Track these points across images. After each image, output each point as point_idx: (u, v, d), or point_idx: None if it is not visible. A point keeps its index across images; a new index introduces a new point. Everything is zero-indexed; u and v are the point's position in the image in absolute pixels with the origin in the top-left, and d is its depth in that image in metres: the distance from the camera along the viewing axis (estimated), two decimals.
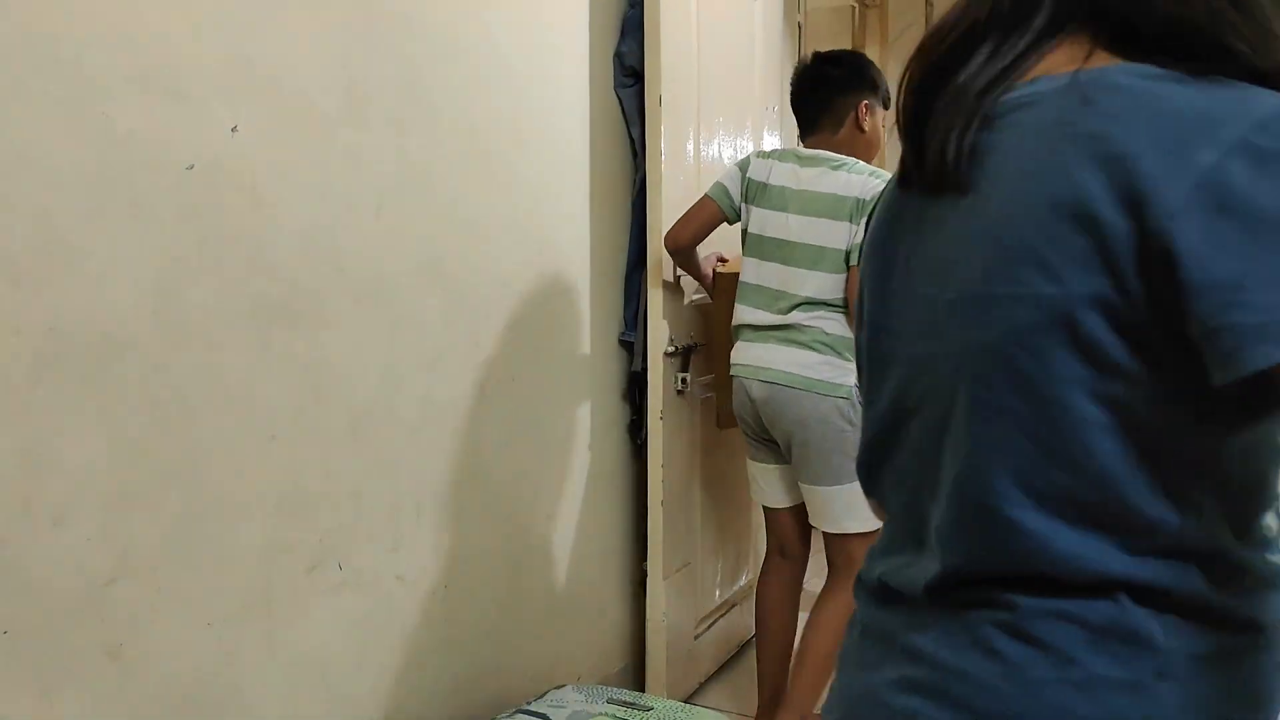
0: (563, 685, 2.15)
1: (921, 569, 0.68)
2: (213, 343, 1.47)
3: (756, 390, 2.18)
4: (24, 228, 1.23)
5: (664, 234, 2.33)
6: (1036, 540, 0.60)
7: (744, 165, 2.28)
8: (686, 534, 2.58)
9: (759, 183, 2.23)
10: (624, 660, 2.61)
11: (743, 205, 2.26)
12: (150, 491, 1.39)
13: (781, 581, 2.35)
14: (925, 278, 0.67)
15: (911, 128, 0.67)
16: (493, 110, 2.01)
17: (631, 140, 2.48)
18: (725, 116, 2.64)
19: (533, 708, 1.99)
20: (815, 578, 2.40)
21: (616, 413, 2.53)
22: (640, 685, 2.60)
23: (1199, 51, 0.58)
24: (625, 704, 2.02)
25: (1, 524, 1.21)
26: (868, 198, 2.08)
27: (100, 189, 1.30)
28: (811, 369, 2.12)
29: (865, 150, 2.25)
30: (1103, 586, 0.59)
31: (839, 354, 2.12)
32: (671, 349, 2.42)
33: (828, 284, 2.11)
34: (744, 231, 2.27)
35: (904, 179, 0.71)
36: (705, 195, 2.30)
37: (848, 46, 4.03)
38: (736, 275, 2.33)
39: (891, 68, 4.07)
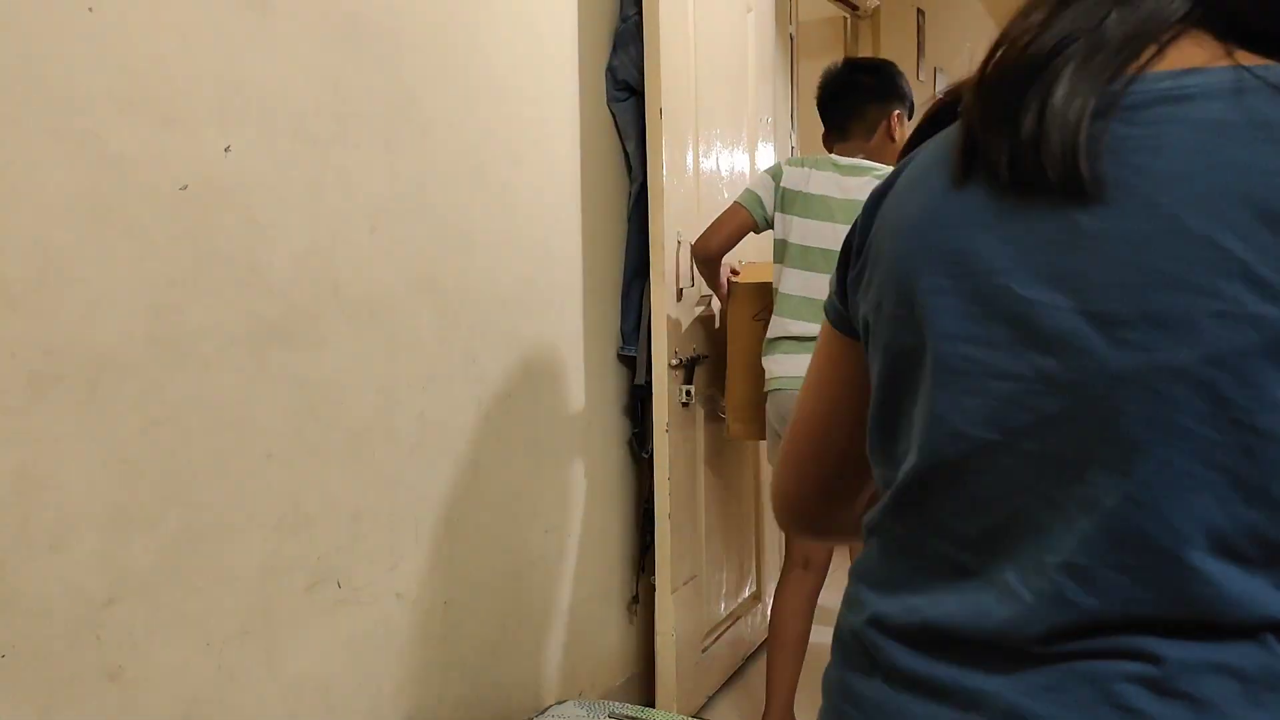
0: (565, 701, 2.15)
1: (1007, 610, 0.59)
2: (208, 363, 1.47)
3: None
4: (18, 250, 1.23)
5: (692, 243, 2.34)
6: (1209, 583, 0.54)
7: (776, 174, 2.26)
8: (693, 547, 2.57)
9: (798, 191, 2.21)
10: (626, 674, 2.60)
11: (776, 214, 2.25)
12: (147, 512, 1.39)
13: (803, 592, 2.35)
14: (1037, 286, 0.58)
15: (1006, 117, 0.58)
16: (486, 126, 2.02)
17: (625, 154, 2.49)
18: (722, 128, 2.65)
19: None
20: (830, 590, 2.39)
21: (614, 427, 2.53)
22: (643, 698, 2.59)
23: None
24: (628, 718, 2.02)
25: None
26: None
27: (94, 211, 1.31)
28: None
29: (894, 159, 2.21)
30: (1253, 629, 0.54)
31: None
32: (676, 361, 2.42)
33: None
34: (781, 241, 2.24)
35: (965, 172, 0.62)
36: (735, 203, 2.29)
37: (840, 57, 4.04)
38: (754, 285, 2.35)
39: None
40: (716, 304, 2.64)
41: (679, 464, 2.46)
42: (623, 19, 2.42)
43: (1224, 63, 0.56)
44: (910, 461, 0.65)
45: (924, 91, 4.68)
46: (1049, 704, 0.57)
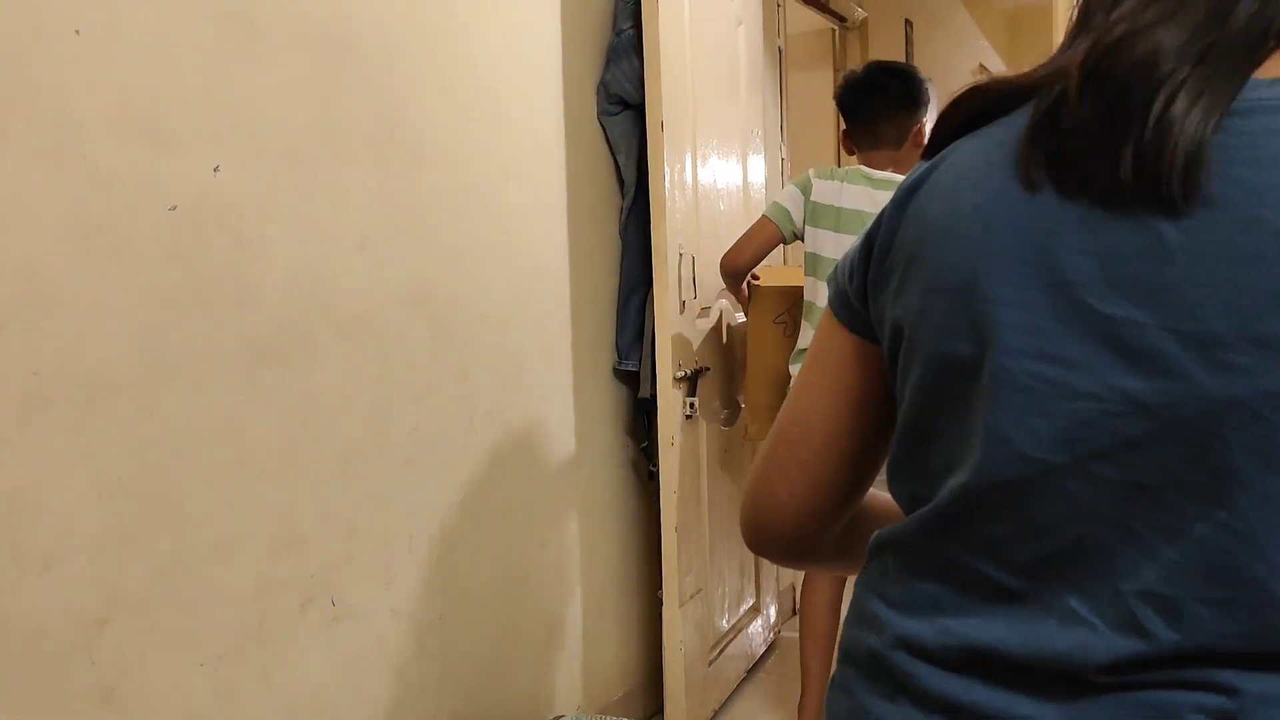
0: (562, 716, 2.14)
1: (1072, 638, 0.56)
2: (200, 382, 1.47)
3: None
4: (6, 271, 1.23)
5: (720, 258, 2.38)
6: None
7: (804, 187, 2.29)
8: (699, 560, 2.57)
9: (828, 205, 2.24)
10: (625, 687, 2.60)
11: (807, 227, 2.28)
12: (140, 532, 1.39)
13: (832, 583, 2.39)
14: (1120, 301, 0.54)
15: (1113, 121, 0.54)
16: (476, 141, 2.03)
17: (617, 168, 2.49)
18: (718, 140, 2.66)
19: None
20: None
21: (608, 441, 2.53)
22: (643, 712, 2.59)
23: None
24: None
25: None
26: None
27: (83, 231, 1.31)
28: None
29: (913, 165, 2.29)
30: None
31: None
32: (681, 374, 2.43)
33: None
34: (813, 255, 2.28)
35: (1039, 173, 0.57)
36: (764, 216, 2.33)
37: (829, 70, 4.07)
38: (775, 289, 2.39)
39: None
40: (716, 316, 2.65)
41: (684, 477, 2.46)
42: (616, 33, 2.43)
43: None
44: (958, 479, 0.61)
45: None
46: None
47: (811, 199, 2.29)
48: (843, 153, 4.02)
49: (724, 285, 2.52)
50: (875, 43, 4.15)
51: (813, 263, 2.31)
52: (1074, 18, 0.63)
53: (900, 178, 2.21)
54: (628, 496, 2.61)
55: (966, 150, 0.63)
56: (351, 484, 1.73)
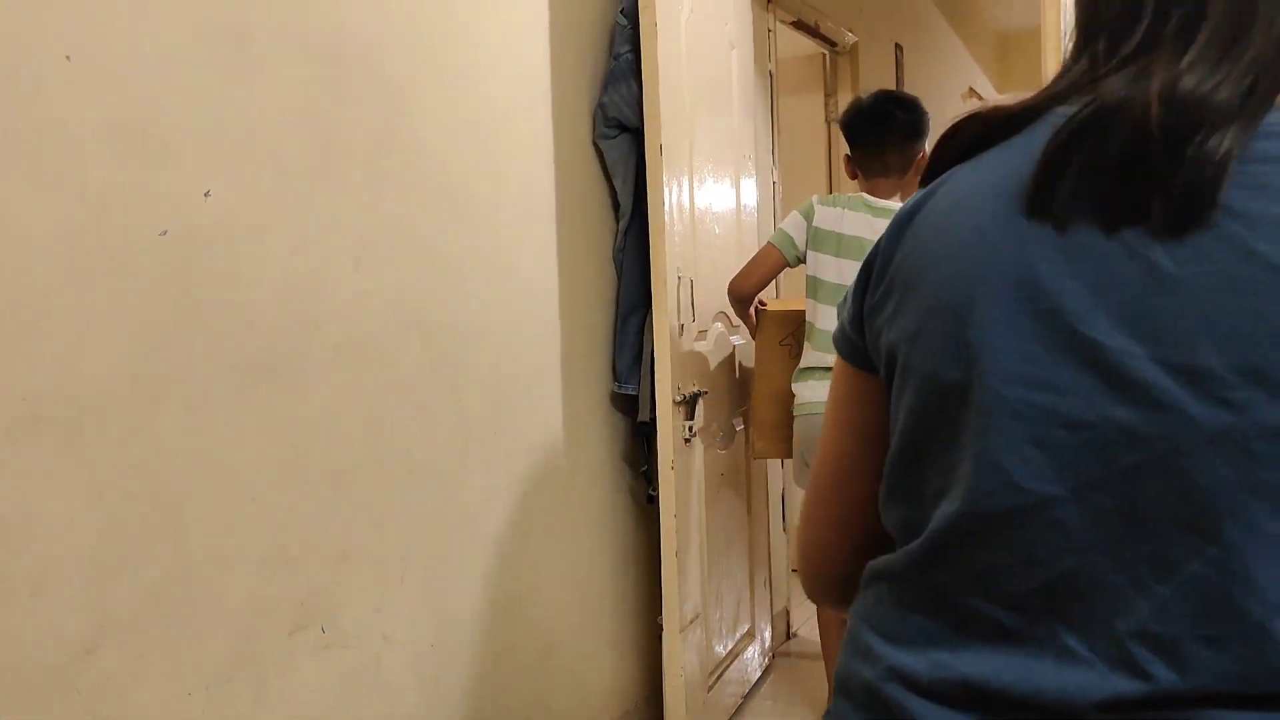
0: None
1: (1069, 676, 0.55)
2: (191, 404, 1.46)
3: None
4: None
5: (728, 283, 2.48)
6: None
7: (807, 213, 2.39)
8: (697, 585, 2.55)
9: (830, 231, 2.35)
10: (620, 713, 2.57)
11: (809, 252, 2.37)
12: (130, 556, 1.37)
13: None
14: (1113, 330, 0.53)
15: (1130, 150, 0.53)
16: (471, 160, 2.03)
17: (612, 191, 2.50)
18: (714, 163, 2.67)
19: None
20: None
21: (603, 465, 2.51)
22: None
23: None
24: None
25: None
26: None
27: (74, 253, 1.30)
28: None
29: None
30: None
31: None
32: (680, 398, 2.42)
33: None
34: (814, 278, 2.38)
35: (1039, 199, 0.57)
36: (769, 243, 2.44)
37: (820, 94, 4.10)
38: (781, 313, 2.51)
39: None
40: (714, 338, 2.64)
41: (683, 501, 2.44)
42: (614, 56, 2.44)
43: None
44: (950, 508, 0.60)
45: None
46: None
47: (814, 224, 2.38)
48: (834, 177, 4.05)
49: (726, 308, 2.57)
50: (866, 67, 4.17)
51: (814, 286, 2.40)
52: (1071, 45, 0.62)
53: (900, 205, 2.27)
54: (624, 520, 2.60)
55: (964, 177, 0.63)
56: (344, 505, 1.72)
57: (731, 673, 2.79)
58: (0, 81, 1.22)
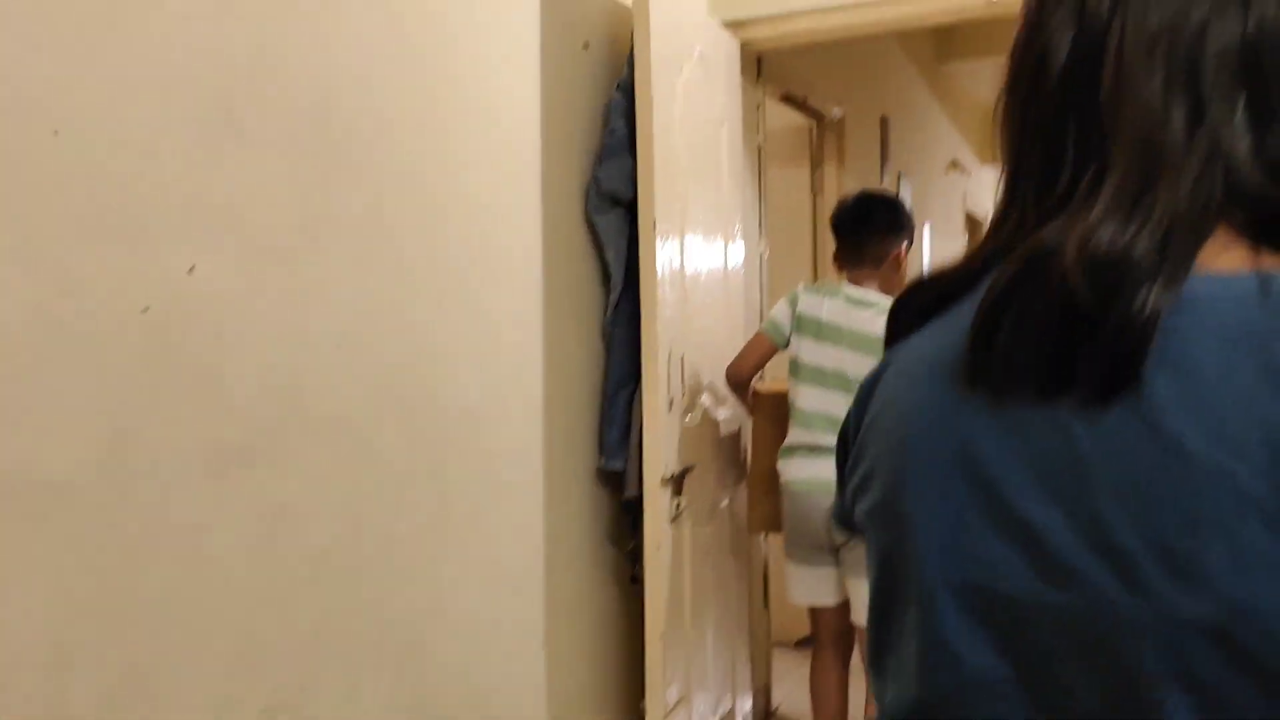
0: None
1: None
2: (165, 489, 1.41)
3: (825, 501, 2.44)
4: None
5: (725, 367, 2.63)
6: None
7: (793, 300, 2.56)
8: (681, 668, 2.49)
9: (812, 317, 2.51)
10: None
11: (793, 335, 2.53)
12: (93, 649, 1.31)
13: (839, 668, 2.64)
14: (1041, 505, 0.52)
15: (1054, 318, 0.51)
16: (457, 238, 2.00)
17: (603, 264, 2.48)
18: (704, 237, 2.66)
19: None
20: None
21: (583, 544, 2.46)
22: None
23: None
24: None
25: None
26: None
27: (51, 335, 1.27)
28: None
29: (899, 285, 2.57)
30: None
31: None
32: (668, 475, 2.39)
33: None
34: (795, 360, 2.53)
35: (975, 369, 0.55)
36: (759, 331, 2.63)
37: (806, 165, 4.12)
38: (776, 395, 2.65)
39: (850, 186, 4.16)
40: (701, 413, 2.62)
41: (669, 583, 2.39)
42: (609, 132, 2.44)
43: (1247, 265, 0.50)
44: (910, 694, 0.58)
45: None
46: None
47: (798, 310, 2.54)
48: (819, 247, 4.07)
49: (715, 381, 2.64)
50: (852, 139, 4.21)
51: (795, 367, 2.54)
52: (1002, 193, 0.61)
53: (874, 296, 2.47)
54: (605, 601, 2.54)
55: (912, 347, 0.63)
56: (318, 591, 1.66)
57: None
58: None
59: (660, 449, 2.36)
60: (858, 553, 2.46)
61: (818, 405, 2.49)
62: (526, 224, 2.25)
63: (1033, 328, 0.52)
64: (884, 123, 4.70)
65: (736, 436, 2.96)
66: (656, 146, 2.33)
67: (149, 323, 1.39)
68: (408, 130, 1.87)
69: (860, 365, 2.47)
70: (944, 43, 5.52)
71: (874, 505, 0.61)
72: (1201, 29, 0.53)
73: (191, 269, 1.44)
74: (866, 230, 2.55)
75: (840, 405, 2.46)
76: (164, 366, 1.41)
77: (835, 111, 4.03)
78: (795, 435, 2.53)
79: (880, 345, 2.32)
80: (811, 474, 2.49)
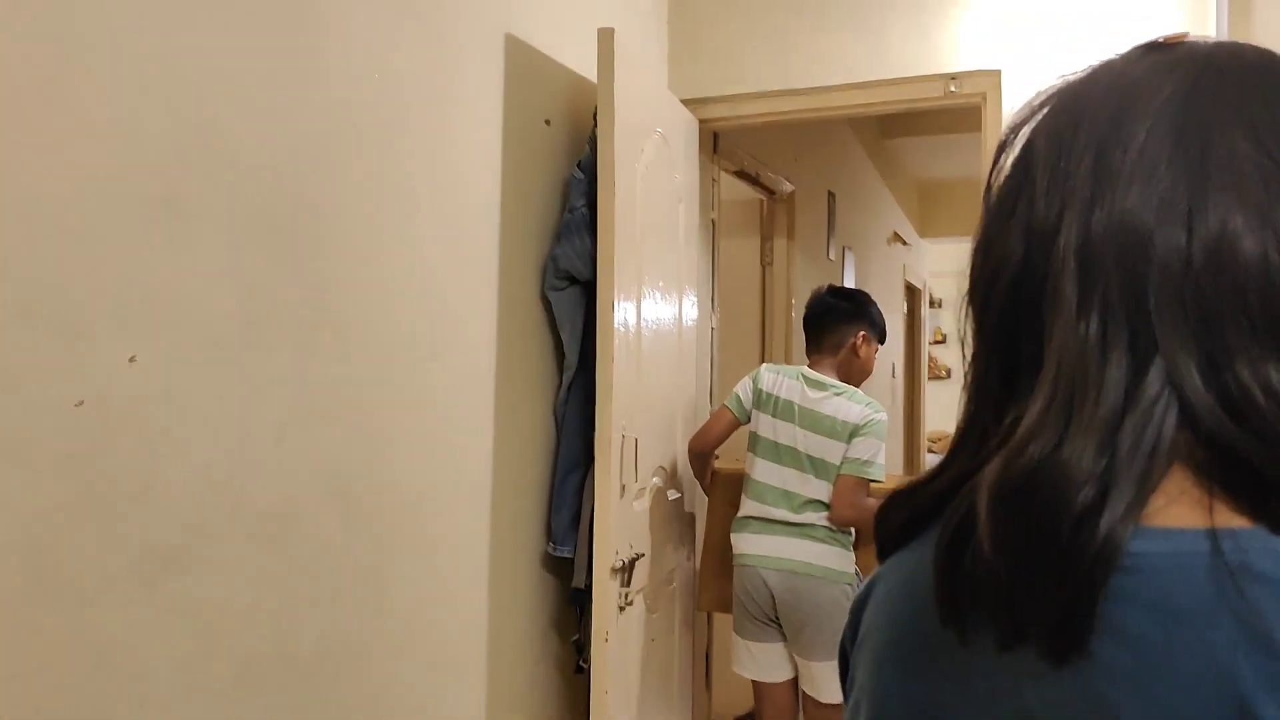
0: None
1: None
2: (89, 597, 1.30)
3: (775, 579, 2.52)
4: None
5: (688, 441, 2.73)
6: None
7: (755, 378, 2.68)
8: None
9: (770, 394, 2.62)
10: None
11: (753, 411, 2.64)
12: None
13: None
14: None
15: (1013, 562, 0.49)
16: (406, 323, 1.92)
17: (557, 343, 2.41)
18: (660, 316, 2.62)
19: None
20: None
21: (527, 633, 2.37)
22: None
23: None
24: None
25: None
26: (861, 423, 2.51)
27: None
28: (826, 558, 2.51)
29: (858, 372, 2.69)
30: None
31: (841, 543, 2.53)
32: (619, 563, 2.31)
33: (825, 489, 2.53)
34: (754, 434, 2.63)
35: (956, 620, 0.52)
36: (723, 405, 2.71)
37: (756, 237, 4.13)
38: (733, 475, 2.74)
39: (799, 260, 4.18)
40: (651, 497, 2.55)
41: (616, 674, 2.30)
42: (569, 210, 2.39)
43: (1200, 520, 0.47)
44: None
45: (834, 270, 4.80)
46: None
47: (759, 386, 2.65)
48: (767, 319, 4.07)
49: (666, 463, 2.64)
50: (801, 212, 4.23)
51: (753, 440, 2.64)
52: (964, 403, 0.59)
53: (830, 380, 2.58)
54: (548, 694, 2.44)
55: (894, 570, 0.61)
56: (249, 701, 1.55)
57: None
58: None
59: (611, 537, 2.29)
60: (807, 632, 2.51)
61: (773, 479, 2.57)
62: (482, 302, 2.18)
63: (985, 574, 0.49)
64: (831, 197, 4.74)
65: (687, 517, 2.90)
66: (618, 227, 2.29)
67: (83, 417, 1.28)
68: (362, 209, 1.79)
69: (814, 443, 2.54)
70: (887, 119, 5.62)
71: None
72: (1146, 240, 0.49)
73: (132, 359, 1.34)
74: (827, 319, 2.71)
75: (794, 480, 2.55)
76: (94, 465, 1.30)
77: (786, 186, 4.05)
78: (749, 507, 2.61)
79: (834, 426, 2.30)
80: (763, 549, 2.56)
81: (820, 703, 2.55)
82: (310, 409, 1.67)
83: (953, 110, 2.88)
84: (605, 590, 2.27)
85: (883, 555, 0.63)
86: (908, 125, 5.40)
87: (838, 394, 2.57)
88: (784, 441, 2.57)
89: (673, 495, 2.75)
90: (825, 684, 2.52)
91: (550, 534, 2.40)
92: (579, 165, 2.43)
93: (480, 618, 2.18)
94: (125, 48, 1.34)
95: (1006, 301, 0.55)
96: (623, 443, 2.33)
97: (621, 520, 2.35)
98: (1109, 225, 0.51)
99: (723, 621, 3.30)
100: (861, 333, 2.68)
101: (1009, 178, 0.57)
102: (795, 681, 2.62)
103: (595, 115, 2.37)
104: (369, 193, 1.80)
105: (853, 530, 2.58)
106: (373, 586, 1.83)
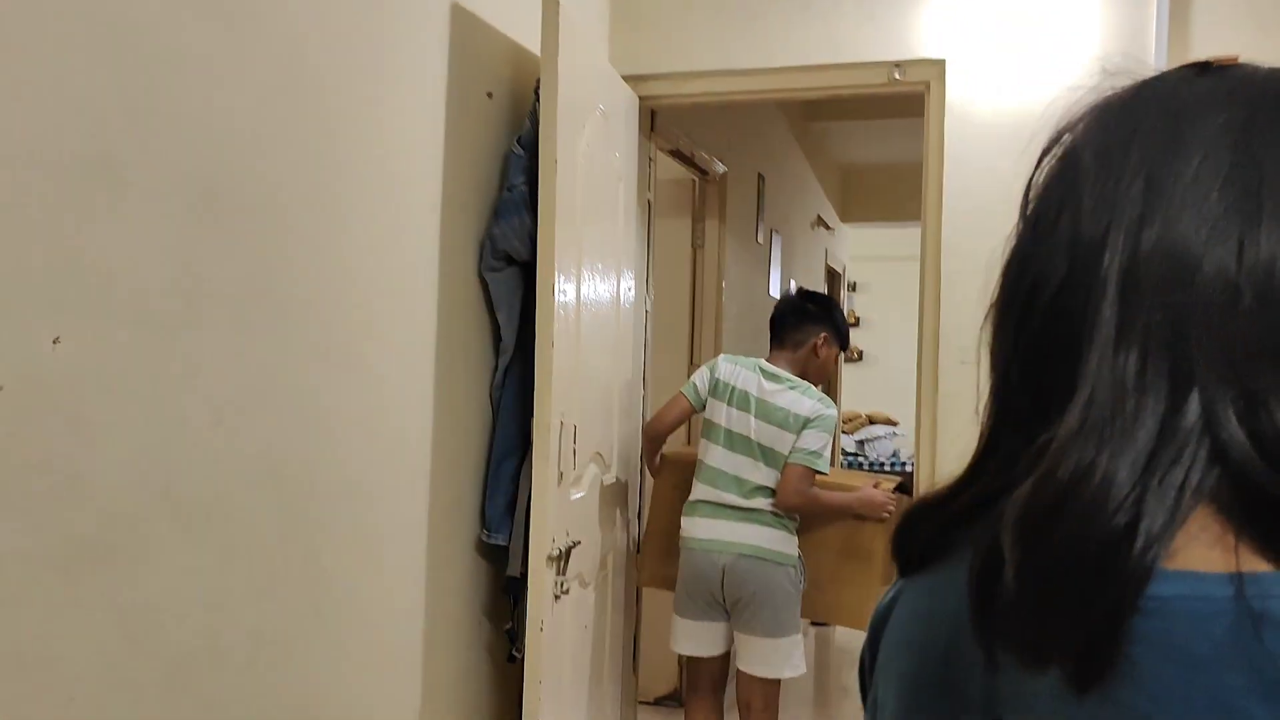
0: None
1: None
2: (7, 595, 1.21)
3: (724, 560, 2.62)
4: None
5: (642, 424, 2.86)
6: None
7: (713, 367, 2.78)
8: None
9: (727, 384, 2.72)
10: None
11: (709, 399, 2.72)
12: None
13: (718, 711, 2.81)
14: None
15: (1045, 589, 0.48)
16: (346, 302, 1.83)
17: (494, 326, 2.34)
18: (600, 299, 2.57)
19: None
20: None
21: (462, 621, 2.31)
22: None
23: None
24: None
25: None
26: (812, 416, 2.62)
27: None
28: (773, 541, 2.62)
29: (816, 373, 2.80)
30: None
31: (786, 528, 2.64)
32: (556, 552, 2.26)
33: (773, 477, 2.63)
34: (709, 422, 2.72)
35: (988, 643, 0.51)
36: (679, 392, 2.80)
37: (688, 218, 4.09)
38: (679, 461, 2.84)
39: (729, 241, 4.16)
40: (590, 483, 2.51)
41: (549, 663, 2.26)
42: (507, 188, 2.31)
43: (1221, 562, 0.46)
44: None
45: (762, 254, 4.81)
46: None
47: (716, 376, 2.74)
48: (698, 302, 4.05)
49: (603, 449, 2.61)
50: (733, 194, 4.21)
51: (707, 427, 2.74)
52: (987, 418, 0.57)
53: (785, 374, 2.69)
54: (480, 682, 2.38)
55: (920, 592, 0.60)
56: (178, 702, 1.46)
57: None
58: None
59: (548, 526, 2.24)
60: (750, 609, 2.63)
61: (726, 465, 2.66)
62: (423, 282, 2.10)
63: (1013, 600, 0.48)
64: (760, 179, 4.74)
65: (624, 502, 2.87)
66: (559, 206, 2.22)
67: (2, 403, 1.18)
68: (302, 180, 1.69)
69: (766, 433, 2.64)
70: (814, 101, 5.63)
71: None
72: (1195, 265, 0.48)
73: (56, 340, 1.24)
74: (794, 318, 2.82)
75: (746, 467, 2.65)
76: (16, 454, 1.20)
77: (719, 167, 4.02)
78: (701, 491, 2.69)
79: (787, 418, 2.51)
80: (712, 534, 2.65)
81: (753, 676, 2.68)
82: (247, 391, 1.58)
83: (884, 96, 2.89)
84: (541, 579, 2.22)
85: (906, 570, 0.61)
86: (833, 109, 5.42)
87: (792, 388, 2.68)
88: (738, 430, 2.66)
89: (609, 480, 2.71)
90: (760, 659, 2.66)
91: (484, 521, 2.33)
92: (519, 141, 2.36)
93: (417, 606, 2.11)
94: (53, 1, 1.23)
95: (1045, 320, 0.53)
96: (561, 429, 2.28)
97: (559, 508, 2.30)
98: (1157, 247, 0.50)
99: (650, 605, 3.29)
100: (824, 334, 2.79)
101: (1049, 190, 0.56)
102: (728, 655, 2.75)
103: (537, 89, 2.30)
104: (309, 163, 1.71)
105: (796, 516, 2.68)
106: (308, 574, 1.75)
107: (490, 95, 2.34)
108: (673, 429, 2.82)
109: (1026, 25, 2.50)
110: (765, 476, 2.64)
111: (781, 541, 2.64)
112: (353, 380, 1.86)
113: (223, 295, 1.52)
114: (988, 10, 2.56)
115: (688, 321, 4.04)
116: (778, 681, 2.71)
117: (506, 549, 2.32)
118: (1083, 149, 0.55)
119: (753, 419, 2.65)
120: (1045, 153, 0.57)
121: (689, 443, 3.44)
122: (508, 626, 2.39)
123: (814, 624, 4.59)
